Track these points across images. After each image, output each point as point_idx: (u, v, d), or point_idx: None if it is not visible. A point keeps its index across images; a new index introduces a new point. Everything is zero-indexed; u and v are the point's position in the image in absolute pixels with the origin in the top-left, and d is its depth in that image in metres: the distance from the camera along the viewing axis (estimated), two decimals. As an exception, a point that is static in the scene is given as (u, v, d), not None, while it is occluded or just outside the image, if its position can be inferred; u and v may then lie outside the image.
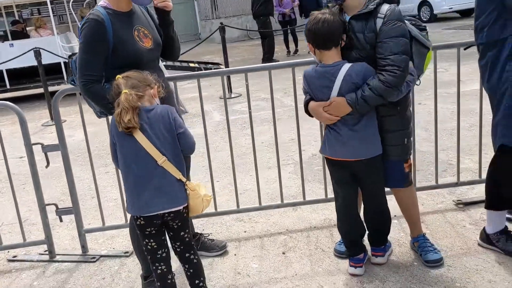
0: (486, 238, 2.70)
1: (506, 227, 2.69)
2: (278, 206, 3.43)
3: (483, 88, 2.81)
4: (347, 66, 2.38)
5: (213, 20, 18.64)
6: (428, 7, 15.75)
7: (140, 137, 2.17)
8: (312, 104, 2.50)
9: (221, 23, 8.12)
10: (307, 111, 2.57)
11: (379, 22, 2.33)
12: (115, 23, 2.36)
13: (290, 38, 12.43)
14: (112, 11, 2.38)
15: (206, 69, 11.00)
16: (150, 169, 2.19)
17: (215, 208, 3.41)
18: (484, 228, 2.74)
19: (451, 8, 14.72)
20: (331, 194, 3.42)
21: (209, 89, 8.86)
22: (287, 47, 12.53)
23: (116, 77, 2.21)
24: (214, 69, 11.13)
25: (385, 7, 2.34)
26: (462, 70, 3.33)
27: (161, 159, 2.19)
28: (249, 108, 3.40)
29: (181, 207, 2.25)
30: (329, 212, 3.44)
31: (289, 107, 6.88)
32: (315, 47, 2.41)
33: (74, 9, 12.00)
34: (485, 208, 2.70)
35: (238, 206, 3.42)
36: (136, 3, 2.48)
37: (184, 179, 2.25)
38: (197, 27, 20.45)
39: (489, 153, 3.47)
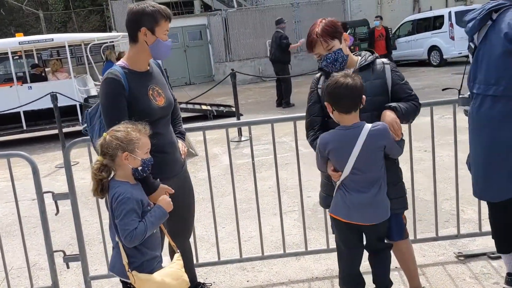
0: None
1: None
2: (280, 256, 3.48)
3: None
4: (367, 127, 2.38)
5: (226, 62, 19.08)
6: (438, 52, 15.99)
7: None
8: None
9: (232, 69, 8.35)
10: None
11: (387, 68, 2.58)
12: (131, 81, 2.49)
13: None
14: (128, 70, 2.52)
15: (217, 111, 11.25)
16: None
17: (218, 257, 3.47)
18: (507, 273, 2.77)
19: (460, 53, 14.93)
20: (333, 244, 3.48)
21: (220, 132, 9.00)
22: None
23: (104, 134, 2.29)
24: (226, 111, 11.38)
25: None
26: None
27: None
28: (253, 159, 3.51)
29: None
30: (332, 262, 3.47)
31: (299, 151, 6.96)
32: (336, 110, 2.40)
33: (92, 51, 12.47)
34: (498, 252, 2.82)
35: (241, 255, 3.47)
36: (156, 59, 2.64)
37: (127, 270, 2.26)
38: (211, 69, 20.94)
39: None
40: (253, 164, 3.53)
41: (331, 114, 2.45)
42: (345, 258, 2.64)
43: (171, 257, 2.95)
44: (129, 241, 2.21)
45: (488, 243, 3.48)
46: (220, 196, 5.37)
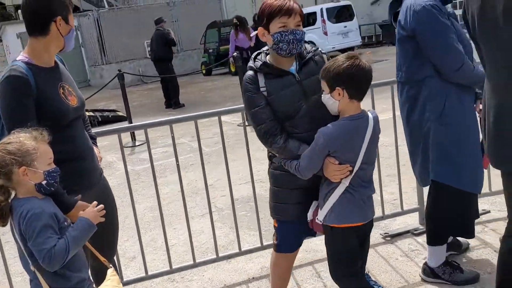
0: (431, 273, 2.78)
1: (446, 258, 2.79)
2: (214, 261, 3.27)
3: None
4: (371, 115, 2.18)
5: (103, 65, 18.08)
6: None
7: None
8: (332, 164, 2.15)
9: (119, 70, 7.86)
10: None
11: (325, 58, 2.38)
12: (39, 78, 2.11)
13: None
14: (33, 66, 2.13)
15: (102, 117, 10.53)
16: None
17: (146, 271, 3.16)
18: (426, 263, 2.82)
19: (334, 47, 15.84)
20: (266, 242, 3.37)
21: (108, 138, 8.42)
22: None
23: None
24: (112, 116, 10.69)
25: None
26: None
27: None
28: (152, 163, 3.24)
29: None
30: (265, 260, 3.36)
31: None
32: (352, 97, 2.10)
33: None
34: (428, 244, 2.78)
35: (170, 266, 3.20)
36: (67, 51, 2.27)
37: None
38: (86, 73, 19.70)
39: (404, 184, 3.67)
40: (152, 168, 3.27)
41: (333, 99, 2.10)
42: (350, 262, 2.29)
43: (95, 278, 2.62)
44: (48, 263, 1.84)
45: (407, 221, 3.65)
46: (126, 206, 4.96)
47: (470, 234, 2.75)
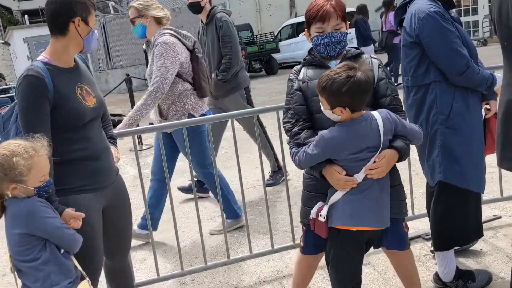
0: (443, 285, 2.77)
1: (457, 269, 2.75)
2: (225, 263, 3.26)
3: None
4: (377, 116, 2.10)
5: (108, 70, 18.15)
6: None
7: None
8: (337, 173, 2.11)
9: (127, 74, 7.90)
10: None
11: (375, 62, 2.29)
12: (56, 79, 2.12)
13: None
14: (52, 67, 2.14)
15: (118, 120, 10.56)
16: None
17: (157, 273, 3.16)
18: (437, 274, 2.80)
19: None
20: (277, 245, 3.37)
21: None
22: None
23: None
24: (118, 120, 10.72)
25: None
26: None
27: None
28: (165, 167, 3.25)
29: None
30: (274, 263, 3.36)
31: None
32: (354, 110, 2.05)
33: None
34: (434, 250, 2.76)
35: (182, 267, 3.20)
36: (87, 52, 2.30)
37: None
38: (91, 78, 19.86)
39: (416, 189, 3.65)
40: (166, 172, 3.26)
41: (334, 115, 2.07)
42: (349, 270, 2.24)
43: (109, 277, 2.63)
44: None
45: (418, 226, 3.64)
46: (134, 209, 4.96)
47: (478, 235, 2.76)
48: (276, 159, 5.14)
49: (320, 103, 2.13)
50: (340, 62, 2.22)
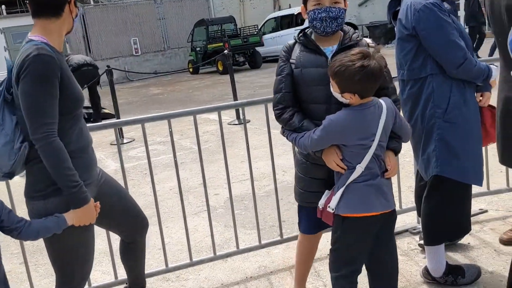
0: (432, 279, 2.74)
1: (447, 264, 2.73)
2: (211, 259, 3.19)
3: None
4: (383, 102, 2.11)
5: (88, 62, 17.81)
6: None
7: None
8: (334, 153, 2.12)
9: (108, 66, 7.73)
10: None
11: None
12: (60, 61, 1.99)
13: None
14: (52, 48, 1.99)
15: (88, 114, 10.34)
16: None
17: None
18: (426, 268, 2.76)
19: None
20: (264, 240, 3.31)
21: (96, 134, 8.27)
22: None
23: None
24: (87, 113, 10.48)
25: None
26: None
27: None
28: (149, 159, 3.15)
29: None
30: (262, 258, 3.30)
31: (190, 150, 6.67)
32: (363, 96, 2.05)
33: None
34: (425, 245, 2.73)
35: (166, 264, 3.11)
36: (69, 33, 2.17)
37: None
38: (70, 70, 19.46)
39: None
40: (150, 165, 3.17)
41: (344, 99, 2.06)
42: (348, 258, 2.21)
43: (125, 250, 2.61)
44: None
45: (405, 220, 3.62)
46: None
47: (466, 230, 2.74)
48: None
49: (330, 84, 2.10)
50: (337, 48, 2.18)
